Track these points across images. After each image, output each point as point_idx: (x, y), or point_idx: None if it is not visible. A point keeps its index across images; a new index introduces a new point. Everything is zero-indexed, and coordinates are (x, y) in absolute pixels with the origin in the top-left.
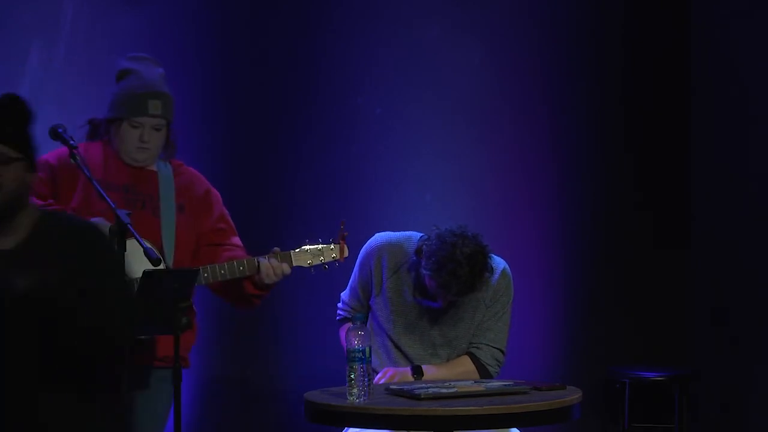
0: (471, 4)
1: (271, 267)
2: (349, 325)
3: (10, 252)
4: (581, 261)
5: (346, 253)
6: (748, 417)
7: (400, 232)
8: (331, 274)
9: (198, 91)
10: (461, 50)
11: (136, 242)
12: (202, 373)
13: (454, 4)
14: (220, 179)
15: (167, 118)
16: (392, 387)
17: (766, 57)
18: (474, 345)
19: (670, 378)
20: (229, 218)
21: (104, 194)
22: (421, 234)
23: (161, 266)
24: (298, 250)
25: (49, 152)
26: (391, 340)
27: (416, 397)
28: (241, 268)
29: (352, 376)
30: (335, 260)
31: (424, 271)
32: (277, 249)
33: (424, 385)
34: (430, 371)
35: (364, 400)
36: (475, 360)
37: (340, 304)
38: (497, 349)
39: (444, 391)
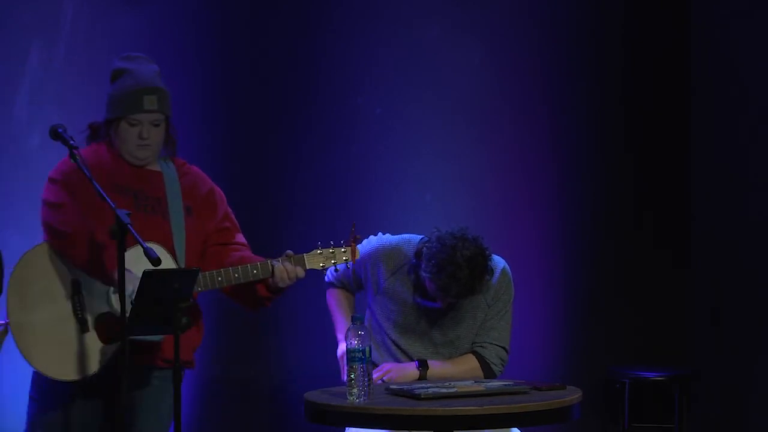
0: (471, 4)
1: (285, 270)
2: (337, 292)
3: None
4: (581, 261)
5: (357, 255)
6: (748, 417)
7: (399, 235)
8: None
9: (198, 91)
10: (461, 50)
11: (153, 246)
12: (202, 373)
13: (454, 4)
14: (221, 179)
15: (164, 112)
16: (392, 387)
17: (766, 57)
18: (478, 344)
19: (670, 378)
20: (233, 216)
21: (104, 194)
22: (421, 236)
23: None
24: (311, 253)
25: (55, 168)
26: (391, 339)
27: (416, 397)
28: (255, 271)
29: (352, 376)
30: (346, 261)
31: (424, 274)
32: (290, 252)
33: (424, 385)
34: (435, 366)
35: (364, 400)
36: (480, 358)
37: (331, 270)
38: (501, 347)
39: (444, 391)
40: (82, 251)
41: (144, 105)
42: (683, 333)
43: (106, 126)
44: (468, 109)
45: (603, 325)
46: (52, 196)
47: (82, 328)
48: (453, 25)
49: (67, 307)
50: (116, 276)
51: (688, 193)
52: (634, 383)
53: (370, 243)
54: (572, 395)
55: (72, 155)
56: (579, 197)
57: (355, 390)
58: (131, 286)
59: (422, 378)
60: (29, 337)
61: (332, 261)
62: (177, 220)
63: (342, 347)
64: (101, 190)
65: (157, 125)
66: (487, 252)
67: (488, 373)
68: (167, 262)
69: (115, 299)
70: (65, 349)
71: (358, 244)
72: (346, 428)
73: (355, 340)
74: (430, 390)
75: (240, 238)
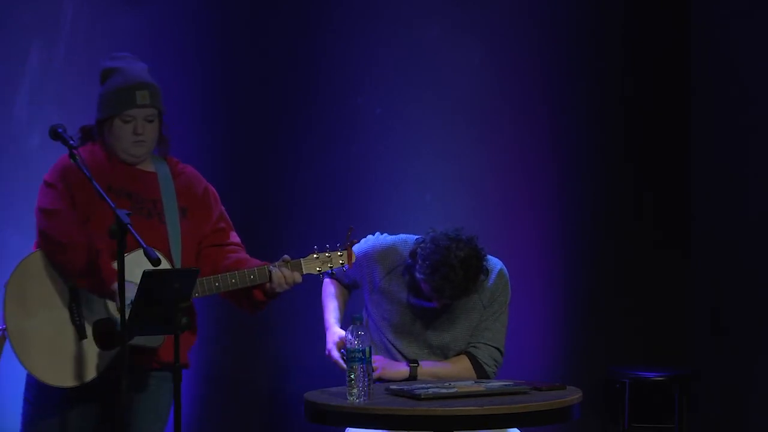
0: (471, 4)
1: (282, 276)
2: (332, 282)
3: None
4: (581, 261)
5: (353, 259)
6: (748, 417)
7: (395, 235)
8: None
9: (198, 91)
10: (461, 50)
11: (135, 255)
12: (202, 373)
13: (454, 4)
14: (220, 179)
15: (157, 107)
16: (392, 387)
17: (766, 57)
18: (472, 344)
19: (670, 378)
20: (227, 215)
21: (104, 194)
22: (417, 236)
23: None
24: (308, 257)
25: (50, 171)
26: (387, 339)
27: (416, 397)
28: (252, 276)
29: (352, 376)
30: (342, 265)
31: (418, 275)
32: (287, 257)
33: (424, 385)
34: (426, 365)
35: (364, 400)
36: (473, 359)
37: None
38: (495, 348)
39: (444, 391)
40: (77, 261)
41: (137, 100)
42: (683, 333)
43: (99, 127)
44: (468, 109)
45: (603, 325)
46: (47, 202)
47: (80, 334)
48: (453, 25)
49: (64, 313)
50: (110, 288)
51: (688, 193)
52: (634, 383)
53: (367, 242)
54: (572, 395)
55: (72, 155)
56: (579, 197)
57: (355, 390)
58: (130, 296)
59: (412, 377)
60: (27, 343)
61: (329, 265)
62: (173, 223)
63: (329, 342)
64: (101, 190)
65: (150, 121)
66: (482, 253)
67: (481, 373)
68: (164, 267)
69: (112, 306)
70: (62, 356)
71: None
72: (346, 428)
73: (355, 340)
74: (430, 390)
75: (234, 237)
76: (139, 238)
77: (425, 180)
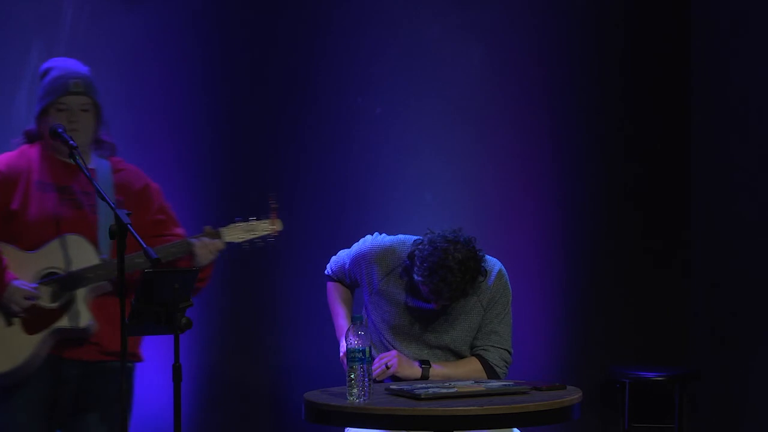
0: (471, 4)
1: (204, 245)
2: (336, 285)
3: None
4: (581, 261)
5: (279, 227)
6: (747, 417)
7: (393, 236)
8: None
9: (198, 91)
10: (461, 50)
11: (74, 237)
12: (203, 373)
13: (454, 4)
14: (220, 179)
15: (91, 96)
16: (392, 387)
17: (765, 57)
18: (480, 347)
19: (670, 378)
20: (170, 210)
21: (104, 194)
22: (416, 237)
23: (99, 261)
24: (229, 226)
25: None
26: (387, 340)
27: (416, 397)
28: (173, 249)
29: (352, 376)
30: (269, 235)
31: (417, 277)
32: (208, 227)
33: (424, 385)
34: (437, 367)
35: (364, 400)
36: (484, 362)
37: (331, 264)
38: (504, 350)
39: (444, 391)
40: None
41: (70, 87)
42: (683, 333)
43: (38, 124)
44: (468, 109)
45: (603, 325)
46: None
47: (8, 320)
48: (453, 25)
49: None
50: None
51: (688, 194)
52: (634, 383)
53: (365, 243)
54: (572, 395)
55: (71, 155)
56: (579, 197)
57: (355, 390)
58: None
59: (424, 377)
60: None
61: (253, 233)
62: (106, 213)
63: (343, 348)
64: (101, 191)
65: (85, 110)
66: (480, 254)
67: (492, 375)
68: (88, 254)
69: (43, 290)
70: None
71: (353, 248)
72: (346, 428)
73: (355, 340)
74: (430, 390)
75: (178, 231)
76: (138, 238)
77: (425, 180)
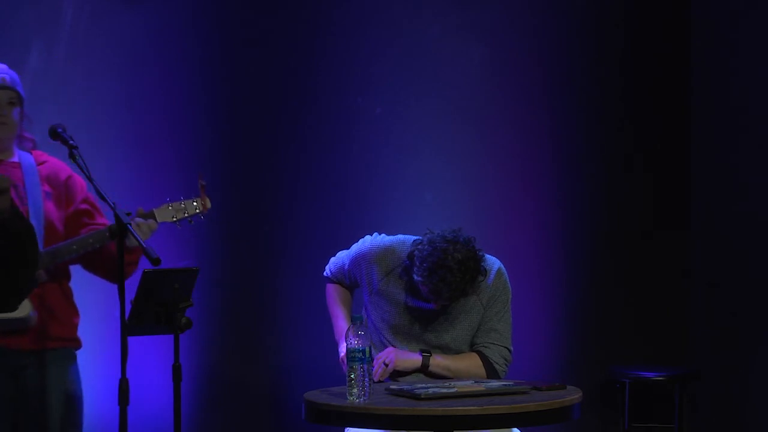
0: (471, 4)
1: (137, 225)
2: (335, 287)
3: None
4: (581, 261)
5: (208, 205)
6: (748, 417)
7: (393, 236)
8: None
9: (198, 91)
10: (461, 50)
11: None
12: (203, 373)
13: (454, 4)
14: (220, 178)
15: (16, 90)
16: (392, 387)
17: (765, 57)
18: (481, 345)
19: (670, 378)
20: (95, 201)
21: (104, 195)
22: (415, 237)
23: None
24: (161, 207)
25: None
26: (387, 340)
27: (416, 397)
28: (91, 240)
29: (352, 376)
30: (200, 213)
31: (416, 277)
32: (140, 208)
33: (424, 385)
34: (438, 358)
35: (364, 400)
36: (484, 358)
37: (330, 266)
38: (504, 347)
39: (444, 391)
40: None
41: None
42: (683, 333)
43: None
44: (468, 109)
45: (603, 325)
46: None
47: None
48: (453, 25)
49: None
50: None
51: (688, 193)
52: (634, 383)
53: (364, 243)
54: (572, 395)
55: (71, 155)
56: (579, 197)
57: (355, 390)
58: None
59: (425, 366)
60: None
61: (184, 213)
62: (36, 203)
63: (343, 349)
64: (101, 191)
65: (12, 104)
66: (479, 254)
67: (492, 373)
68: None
69: None
70: None
71: (352, 248)
72: (346, 428)
73: (355, 340)
74: (430, 390)
75: (103, 220)
76: (138, 237)
77: (425, 180)
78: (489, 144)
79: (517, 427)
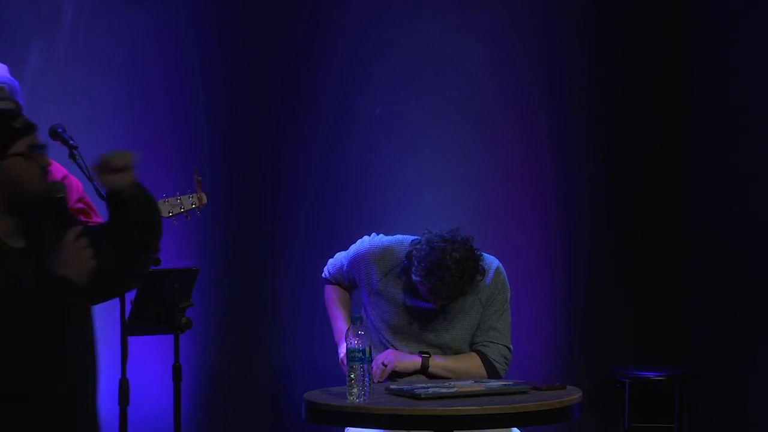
0: (471, 4)
1: None
2: (334, 288)
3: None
4: (581, 261)
5: (204, 200)
6: (748, 417)
7: (391, 236)
8: None
9: (198, 91)
10: (461, 50)
11: None
12: (203, 373)
13: (454, 4)
14: (221, 178)
15: (14, 101)
16: (392, 387)
17: (765, 57)
18: (480, 344)
19: (670, 378)
20: (90, 201)
21: (103, 194)
22: (414, 237)
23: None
24: (158, 201)
25: None
26: (386, 340)
27: (416, 397)
28: None
29: (352, 376)
30: (196, 208)
31: (414, 277)
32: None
33: (424, 385)
34: (438, 358)
35: (364, 400)
36: (483, 357)
37: (328, 267)
38: (504, 345)
39: (444, 391)
40: None
41: None
42: (683, 333)
43: None
44: (468, 109)
45: (603, 325)
46: None
47: None
48: (453, 25)
49: None
50: None
51: (688, 193)
52: (634, 383)
53: (363, 244)
54: (572, 395)
55: (72, 155)
56: (579, 197)
57: (355, 390)
58: None
59: (424, 367)
60: None
61: (180, 208)
62: None
63: (342, 350)
64: (101, 191)
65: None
66: (477, 253)
67: (492, 371)
68: None
69: None
70: None
71: (351, 248)
72: (346, 428)
73: (355, 340)
74: (430, 390)
75: (98, 219)
76: None
77: (425, 180)
78: (489, 144)
79: (517, 427)
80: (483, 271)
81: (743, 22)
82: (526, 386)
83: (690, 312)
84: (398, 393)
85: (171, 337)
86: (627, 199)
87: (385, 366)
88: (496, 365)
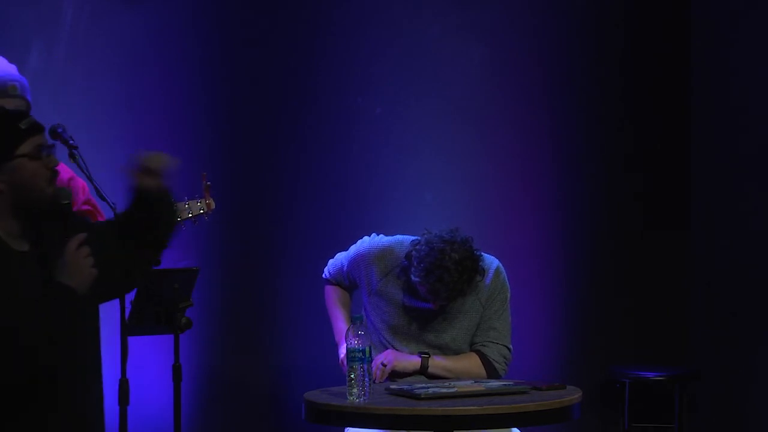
0: (471, 4)
1: None
2: (334, 289)
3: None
4: (581, 261)
5: (212, 206)
6: (748, 417)
7: (391, 237)
8: None
9: (198, 91)
10: (461, 50)
11: None
12: (203, 373)
13: (454, 4)
14: (221, 178)
15: (26, 99)
16: (392, 387)
17: (765, 57)
18: (480, 344)
19: (670, 378)
20: (96, 203)
21: (104, 195)
22: (413, 237)
23: None
24: None
25: None
26: (386, 340)
27: (416, 397)
28: None
29: (352, 376)
30: (204, 214)
31: (414, 277)
32: None
33: (424, 385)
34: (437, 358)
35: (364, 400)
36: (483, 357)
37: (329, 267)
38: (503, 345)
39: (444, 391)
40: None
41: (8, 90)
42: (683, 333)
43: None
44: (468, 109)
45: (603, 325)
46: None
47: None
48: (453, 25)
49: None
50: None
51: (688, 193)
52: (634, 383)
53: (363, 244)
54: (572, 395)
55: (72, 155)
56: (579, 197)
57: (355, 390)
58: None
59: (424, 367)
60: None
61: (189, 214)
62: None
63: (342, 351)
64: (101, 191)
65: None
66: (477, 254)
67: (491, 371)
68: None
69: None
70: None
71: (351, 248)
72: (346, 428)
73: (355, 340)
74: (430, 390)
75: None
76: None
77: (425, 180)
78: (489, 144)
79: (517, 427)
80: (482, 272)
81: (743, 22)
82: (526, 386)
83: (690, 312)
84: (398, 393)
85: (171, 337)
86: (627, 199)
87: (385, 366)
88: (496, 365)
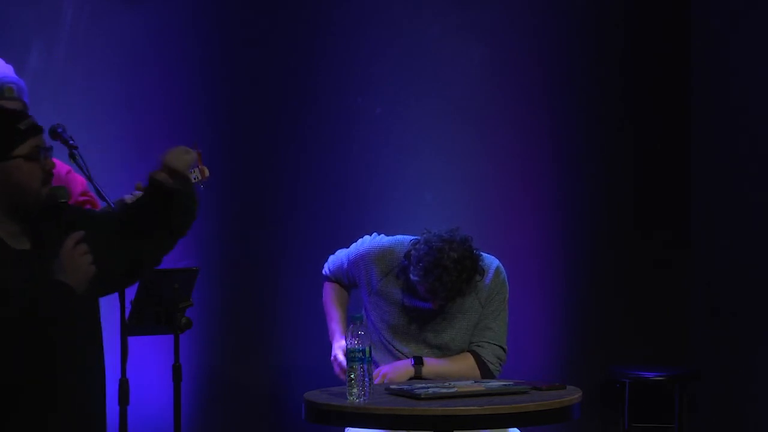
0: (471, 4)
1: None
2: (333, 286)
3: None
4: (581, 261)
5: (207, 174)
6: (748, 417)
7: (391, 237)
8: None
9: (198, 91)
10: (461, 50)
11: None
12: (203, 373)
13: (454, 4)
14: (221, 178)
15: (22, 100)
16: (392, 387)
17: (766, 57)
18: (475, 344)
19: (670, 378)
20: (93, 194)
21: (104, 195)
22: (413, 237)
23: None
24: None
25: None
26: (386, 340)
27: (416, 397)
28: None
29: (352, 376)
30: (199, 182)
31: (413, 276)
32: (138, 183)
33: (424, 385)
34: (430, 362)
35: (364, 400)
36: (477, 357)
37: (329, 264)
38: (498, 346)
39: (444, 391)
40: None
41: (4, 93)
42: (683, 333)
43: None
44: (468, 109)
45: (603, 325)
46: None
47: None
48: (453, 25)
49: None
50: None
51: (688, 193)
52: (634, 383)
53: (363, 244)
54: (572, 395)
55: (72, 155)
56: (579, 197)
57: (355, 390)
58: None
59: (417, 375)
60: None
61: None
62: None
63: (335, 348)
64: (101, 190)
65: None
66: (476, 253)
67: (485, 372)
68: None
69: None
70: None
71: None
72: (346, 428)
73: (355, 339)
74: (430, 390)
75: None
76: None
77: (425, 180)
78: (489, 144)
79: (517, 427)
80: (482, 271)
81: (743, 22)
82: (526, 386)
83: (690, 312)
84: (398, 393)
85: (171, 337)
86: (627, 199)
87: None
88: (490, 366)
